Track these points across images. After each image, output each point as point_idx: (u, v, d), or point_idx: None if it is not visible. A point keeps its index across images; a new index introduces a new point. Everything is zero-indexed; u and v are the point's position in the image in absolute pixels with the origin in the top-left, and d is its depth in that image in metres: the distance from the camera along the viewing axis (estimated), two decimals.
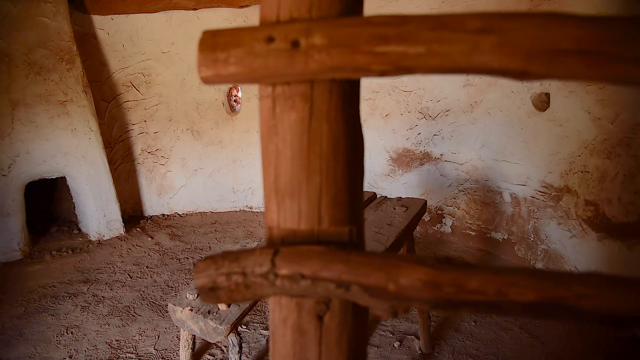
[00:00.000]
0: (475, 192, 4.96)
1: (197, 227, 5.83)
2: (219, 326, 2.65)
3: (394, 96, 5.48)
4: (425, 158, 5.33)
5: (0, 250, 4.68)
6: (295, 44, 0.77)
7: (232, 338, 2.95)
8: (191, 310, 2.75)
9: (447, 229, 5.28)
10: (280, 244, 0.89)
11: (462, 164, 5.03)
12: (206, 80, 0.83)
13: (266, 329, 3.54)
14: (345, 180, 0.87)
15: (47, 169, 4.98)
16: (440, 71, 0.76)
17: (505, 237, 4.71)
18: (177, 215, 6.26)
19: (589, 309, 0.68)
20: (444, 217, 5.30)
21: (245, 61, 0.79)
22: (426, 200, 3.27)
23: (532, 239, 4.40)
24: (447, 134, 5.11)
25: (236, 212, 6.38)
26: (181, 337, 3.03)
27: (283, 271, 0.83)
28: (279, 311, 0.92)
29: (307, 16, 0.82)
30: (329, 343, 0.89)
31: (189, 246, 5.20)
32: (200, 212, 6.35)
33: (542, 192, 4.27)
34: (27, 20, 4.76)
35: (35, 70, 4.82)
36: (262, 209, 6.33)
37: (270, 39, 0.78)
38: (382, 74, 0.77)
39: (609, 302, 0.67)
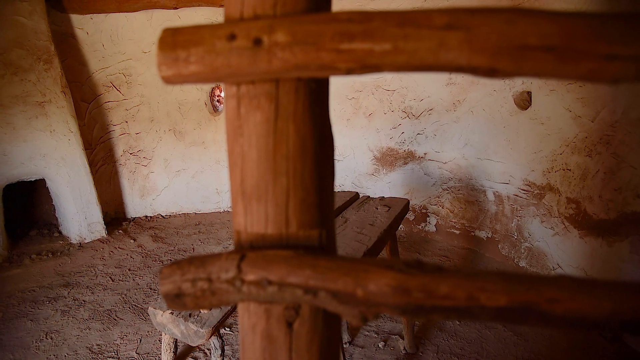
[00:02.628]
0: (459, 190, 4.97)
1: (181, 228, 5.76)
2: (200, 329, 2.60)
3: (377, 95, 5.47)
4: (409, 157, 5.33)
5: None
6: (257, 42, 0.74)
7: (214, 341, 2.91)
8: (172, 313, 2.70)
9: (432, 228, 5.29)
10: (248, 249, 0.87)
11: (446, 162, 5.04)
12: (167, 80, 0.80)
13: None
14: (313, 182, 0.84)
15: (26, 171, 4.88)
16: (408, 69, 0.74)
17: (489, 235, 4.73)
18: (160, 217, 6.18)
19: (560, 313, 0.66)
20: (428, 216, 5.31)
21: (206, 60, 0.76)
22: (409, 200, 3.26)
23: (515, 237, 4.42)
24: (431, 133, 5.12)
25: (220, 212, 6.33)
26: (163, 340, 2.98)
27: (249, 277, 0.80)
28: (247, 318, 0.89)
29: (271, 13, 0.79)
30: (299, 350, 0.86)
31: (172, 248, 5.13)
32: (184, 214, 6.29)
33: (525, 190, 4.29)
34: (2, 20, 4.65)
35: (12, 70, 4.72)
36: None
37: (232, 37, 0.75)
38: (349, 72, 0.74)
39: (580, 305, 0.65)
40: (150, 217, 6.19)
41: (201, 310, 2.72)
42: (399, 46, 0.70)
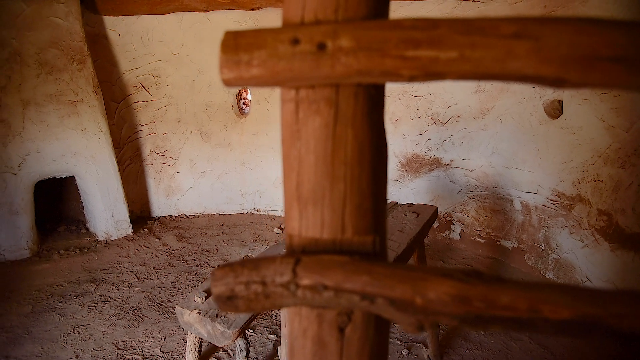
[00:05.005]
0: (485, 199, 4.91)
1: (205, 229, 5.81)
2: (227, 330, 2.62)
3: (404, 101, 5.45)
4: (435, 164, 5.29)
5: (10, 248, 4.69)
6: (321, 47, 0.75)
7: (240, 342, 2.92)
8: (199, 313, 2.72)
9: (456, 236, 5.23)
10: (300, 253, 0.87)
11: (472, 170, 4.99)
12: (228, 83, 0.80)
13: (273, 333, 3.51)
14: (369, 188, 0.84)
15: (57, 168, 4.99)
16: (471, 77, 0.73)
17: (515, 245, 4.66)
18: (184, 217, 6.25)
19: (627, 329, 0.65)
20: (452, 224, 5.25)
21: (268, 63, 0.77)
22: (437, 207, 3.24)
23: (542, 248, 4.35)
24: (458, 140, 5.07)
25: (243, 214, 6.37)
26: (188, 340, 3.01)
27: (305, 281, 0.80)
28: (298, 322, 0.89)
29: (332, 18, 0.79)
30: (350, 356, 0.86)
31: (196, 248, 5.18)
32: (208, 214, 6.34)
33: (553, 201, 4.22)
34: (40, 20, 4.78)
35: (47, 70, 4.84)
36: (270, 212, 6.31)
37: (295, 41, 0.76)
38: (411, 79, 0.74)
39: None
40: (175, 216, 6.26)
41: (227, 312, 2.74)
42: (465, 54, 0.70)
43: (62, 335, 3.50)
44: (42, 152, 4.83)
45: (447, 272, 0.74)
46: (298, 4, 0.81)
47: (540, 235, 4.39)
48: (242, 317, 2.70)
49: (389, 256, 2.34)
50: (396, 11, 5.20)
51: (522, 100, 4.46)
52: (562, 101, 4.13)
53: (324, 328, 0.86)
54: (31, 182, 4.83)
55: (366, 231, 0.86)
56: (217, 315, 2.70)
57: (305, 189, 0.85)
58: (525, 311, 0.69)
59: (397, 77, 0.74)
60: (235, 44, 0.78)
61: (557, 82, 0.70)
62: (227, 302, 0.85)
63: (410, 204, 3.24)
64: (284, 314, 2.79)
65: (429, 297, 0.73)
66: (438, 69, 0.72)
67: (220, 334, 2.65)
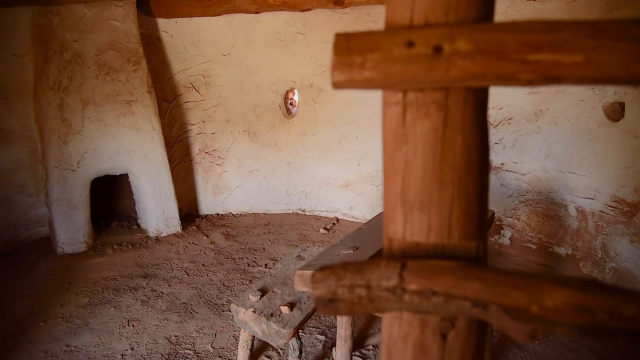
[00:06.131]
0: (537, 203, 4.77)
1: (251, 227, 5.89)
2: (282, 329, 2.65)
3: None
4: None
5: (68, 241, 4.89)
6: (437, 50, 0.74)
7: (293, 342, 2.95)
8: (254, 312, 2.76)
9: (506, 241, 5.10)
10: (401, 257, 0.86)
11: (524, 174, 4.86)
12: (337, 85, 0.81)
13: (322, 333, 3.52)
14: (476, 192, 0.83)
15: (112, 166, 5.17)
16: (592, 81, 0.71)
17: (569, 252, 4.50)
18: (231, 215, 6.35)
19: None
20: (502, 229, 5.13)
21: (382, 66, 0.76)
22: (494, 211, 3.17)
23: (599, 256, 4.19)
24: (509, 143, 4.95)
25: (289, 214, 6.41)
26: (241, 337, 3.05)
27: (412, 286, 0.79)
28: (398, 327, 0.89)
29: (443, 20, 0.78)
30: None
31: (243, 246, 5.25)
32: (254, 213, 6.42)
33: (612, 207, 4.06)
34: (99, 23, 4.96)
35: (105, 70, 5.02)
36: (315, 213, 6.33)
37: (410, 44, 0.75)
38: (528, 83, 0.73)
39: None
40: (222, 215, 6.37)
41: (282, 311, 2.77)
42: (590, 58, 0.68)
43: (118, 328, 3.62)
44: (99, 150, 5.01)
45: (563, 280, 0.72)
46: (406, 6, 0.81)
47: (597, 243, 4.23)
48: (297, 317, 2.72)
49: None
50: None
51: (579, 102, 4.31)
52: (624, 103, 3.97)
53: (426, 334, 0.85)
54: (89, 178, 5.02)
55: (471, 236, 0.84)
56: (272, 315, 2.73)
57: (412, 193, 0.84)
58: None
59: (514, 81, 0.73)
60: (347, 47, 0.78)
61: None
62: (328, 304, 0.85)
63: None
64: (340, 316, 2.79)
65: (546, 305, 0.71)
66: (558, 73, 0.70)
67: (275, 333, 2.68)
